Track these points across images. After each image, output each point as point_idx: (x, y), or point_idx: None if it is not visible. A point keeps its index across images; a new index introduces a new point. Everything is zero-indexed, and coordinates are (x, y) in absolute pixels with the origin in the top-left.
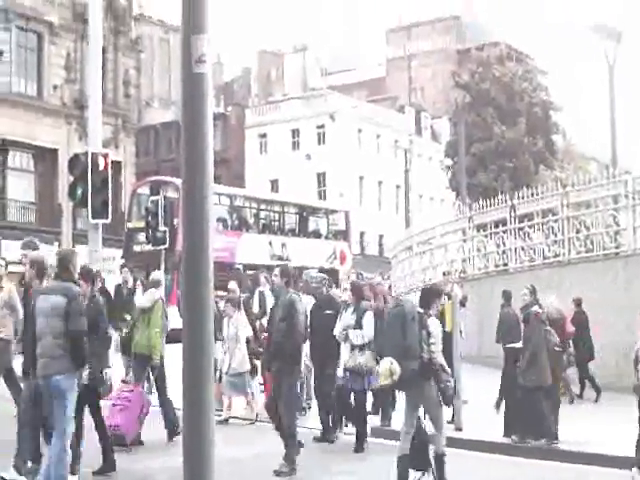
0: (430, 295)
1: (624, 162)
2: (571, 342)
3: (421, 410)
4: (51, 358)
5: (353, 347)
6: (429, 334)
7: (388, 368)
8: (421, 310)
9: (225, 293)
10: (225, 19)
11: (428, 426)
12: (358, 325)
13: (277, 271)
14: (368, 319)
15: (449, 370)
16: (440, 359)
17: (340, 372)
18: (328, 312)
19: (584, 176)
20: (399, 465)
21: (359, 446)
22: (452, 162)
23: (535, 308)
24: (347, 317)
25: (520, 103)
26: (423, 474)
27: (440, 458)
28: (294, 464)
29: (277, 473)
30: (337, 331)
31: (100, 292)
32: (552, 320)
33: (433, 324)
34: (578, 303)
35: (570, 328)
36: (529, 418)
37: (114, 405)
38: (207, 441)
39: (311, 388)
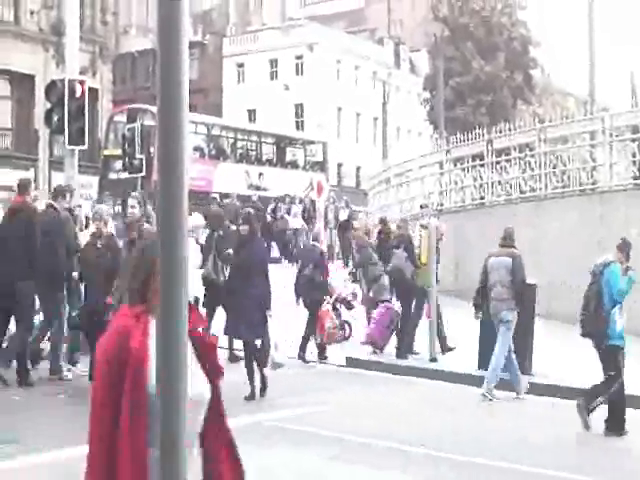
0: None
1: (602, 99)
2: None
3: None
4: (500, 301)
5: None
6: None
7: None
8: None
9: None
10: None
11: None
12: None
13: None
14: None
15: None
16: None
17: None
18: None
19: (562, 112)
20: None
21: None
22: (430, 95)
23: (147, 227)
24: None
25: (499, 37)
26: None
27: None
28: None
29: None
30: None
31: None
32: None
33: None
34: (384, 222)
35: (372, 239)
36: None
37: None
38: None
39: None
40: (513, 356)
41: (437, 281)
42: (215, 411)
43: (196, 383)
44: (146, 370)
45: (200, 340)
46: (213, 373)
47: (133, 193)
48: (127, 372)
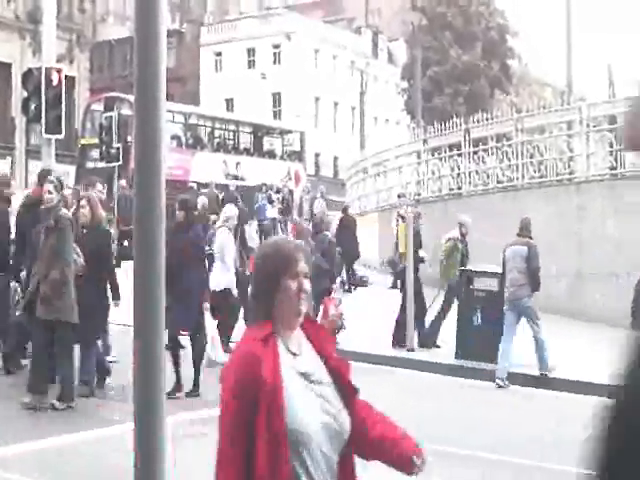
0: None
1: (579, 89)
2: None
3: None
4: (519, 287)
5: None
6: None
7: None
8: None
9: None
10: None
11: None
12: None
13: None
14: None
15: None
16: None
17: None
18: None
19: (539, 102)
20: None
21: None
22: (408, 85)
23: (64, 212)
24: None
25: (477, 27)
26: None
27: None
28: None
29: None
30: None
31: None
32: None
33: None
34: (346, 211)
35: (332, 227)
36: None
37: None
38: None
39: None
40: (511, 346)
41: (448, 275)
42: (351, 442)
43: (342, 417)
44: (282, 404)
45: (332, 361)
46: (348, 395)
47: (50, 177)
48: (260, 408)
